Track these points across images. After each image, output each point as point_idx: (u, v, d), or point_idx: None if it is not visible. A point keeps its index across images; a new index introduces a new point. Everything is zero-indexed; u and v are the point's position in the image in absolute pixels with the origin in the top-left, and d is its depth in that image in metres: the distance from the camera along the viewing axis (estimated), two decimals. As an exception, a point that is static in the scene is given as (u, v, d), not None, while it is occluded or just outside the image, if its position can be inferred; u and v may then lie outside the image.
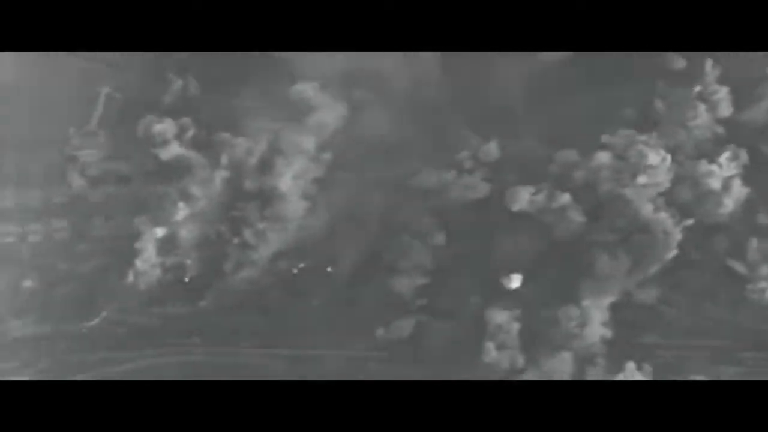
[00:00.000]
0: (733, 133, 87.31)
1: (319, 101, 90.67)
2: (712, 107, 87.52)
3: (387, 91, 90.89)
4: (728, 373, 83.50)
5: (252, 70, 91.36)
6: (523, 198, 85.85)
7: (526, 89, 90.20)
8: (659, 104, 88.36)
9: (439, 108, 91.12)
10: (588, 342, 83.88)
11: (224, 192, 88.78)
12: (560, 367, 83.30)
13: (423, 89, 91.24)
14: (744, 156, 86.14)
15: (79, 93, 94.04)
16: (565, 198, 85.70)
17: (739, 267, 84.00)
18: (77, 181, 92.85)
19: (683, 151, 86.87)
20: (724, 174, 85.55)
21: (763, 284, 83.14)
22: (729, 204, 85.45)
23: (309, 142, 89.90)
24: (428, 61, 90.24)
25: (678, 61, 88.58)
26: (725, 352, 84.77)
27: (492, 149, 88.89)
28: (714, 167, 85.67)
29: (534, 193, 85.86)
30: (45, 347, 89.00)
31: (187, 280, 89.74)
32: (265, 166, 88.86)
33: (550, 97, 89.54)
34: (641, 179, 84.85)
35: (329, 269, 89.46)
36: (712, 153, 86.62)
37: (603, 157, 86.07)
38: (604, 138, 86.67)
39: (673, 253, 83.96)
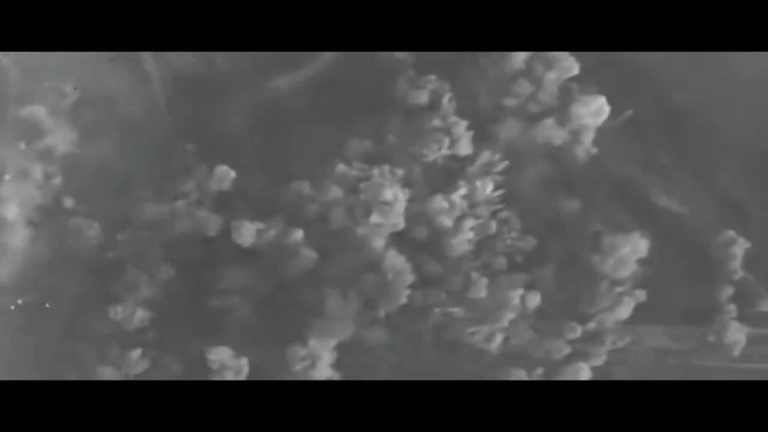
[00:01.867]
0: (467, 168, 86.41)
1: (49, 125, 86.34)
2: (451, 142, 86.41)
3: (117, 117, 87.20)
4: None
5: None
6: (251, 233, 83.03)
7: (259, 118, 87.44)
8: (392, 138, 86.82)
9: (169, 137, 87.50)
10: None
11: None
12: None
13: (154, 116, 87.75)
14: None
15: None
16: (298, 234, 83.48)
17: (460, 312, 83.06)
18: None
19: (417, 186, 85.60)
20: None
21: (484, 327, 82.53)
22: (460, 243, 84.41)
23: (36, 168, 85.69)
24: (160, 86, 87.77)
25: (417, 95, 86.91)
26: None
27: (224, 180, 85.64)
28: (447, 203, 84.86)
29: (263, 229, 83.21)
30: None
31: None
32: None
33: (283, 127, 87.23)
34: (375, 216, 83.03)
35: (47, 305, 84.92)
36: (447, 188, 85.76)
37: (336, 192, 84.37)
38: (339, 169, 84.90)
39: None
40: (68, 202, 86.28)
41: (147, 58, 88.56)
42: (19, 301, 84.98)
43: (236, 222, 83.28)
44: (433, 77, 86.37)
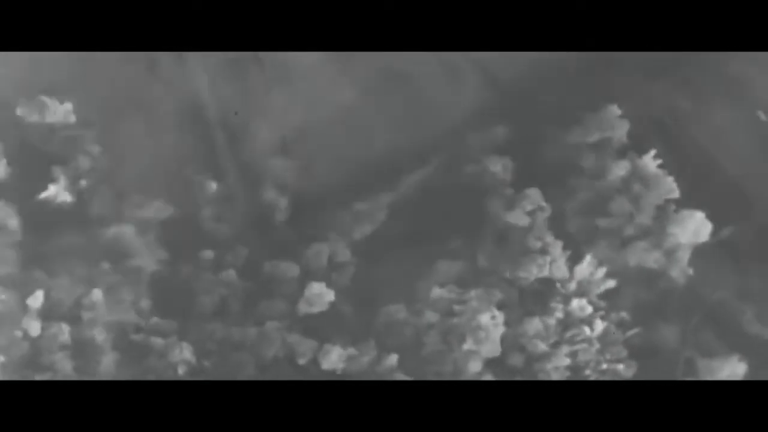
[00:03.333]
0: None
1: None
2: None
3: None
4: None
5: None
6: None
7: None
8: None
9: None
10: None
11: None
12: None
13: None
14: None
15: None
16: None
17: None
18: None
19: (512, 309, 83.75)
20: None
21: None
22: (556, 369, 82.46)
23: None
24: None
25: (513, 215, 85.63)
26: None
27: (317, 302, 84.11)
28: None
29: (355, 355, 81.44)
30: None
31: None
32: None
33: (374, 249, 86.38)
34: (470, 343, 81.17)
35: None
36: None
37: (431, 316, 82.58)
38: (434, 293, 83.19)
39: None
40: (156, 323, 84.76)
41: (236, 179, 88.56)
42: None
43: (328, 345, 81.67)
44: (530, 193, 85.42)
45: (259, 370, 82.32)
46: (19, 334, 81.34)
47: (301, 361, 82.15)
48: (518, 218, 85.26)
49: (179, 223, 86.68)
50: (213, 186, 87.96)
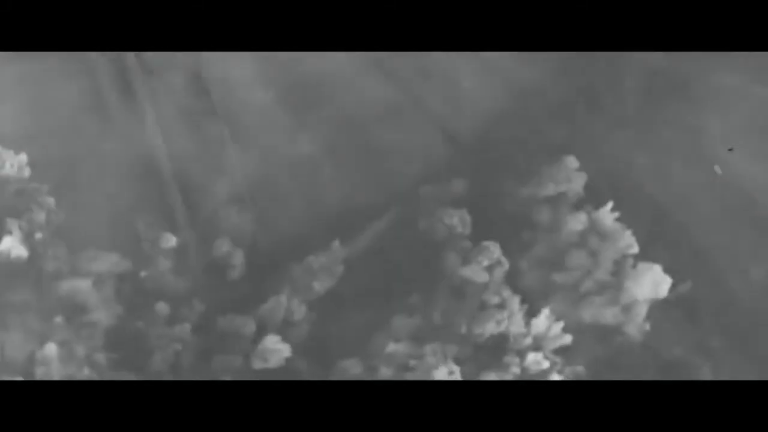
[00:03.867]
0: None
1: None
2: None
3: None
4: None
5: None
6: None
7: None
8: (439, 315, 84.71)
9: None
10: None
11: None
12: None
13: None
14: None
15: None
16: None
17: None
18: None
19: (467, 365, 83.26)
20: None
21: None
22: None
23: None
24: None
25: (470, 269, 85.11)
26: None
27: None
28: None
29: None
30: None
31: None
32: None
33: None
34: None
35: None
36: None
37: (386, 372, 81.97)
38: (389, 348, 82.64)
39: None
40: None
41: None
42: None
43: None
44: (487, 248, 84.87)
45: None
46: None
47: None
48: (475, 273, 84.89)
49: (135, 277, 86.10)
50: (169, 239, 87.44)
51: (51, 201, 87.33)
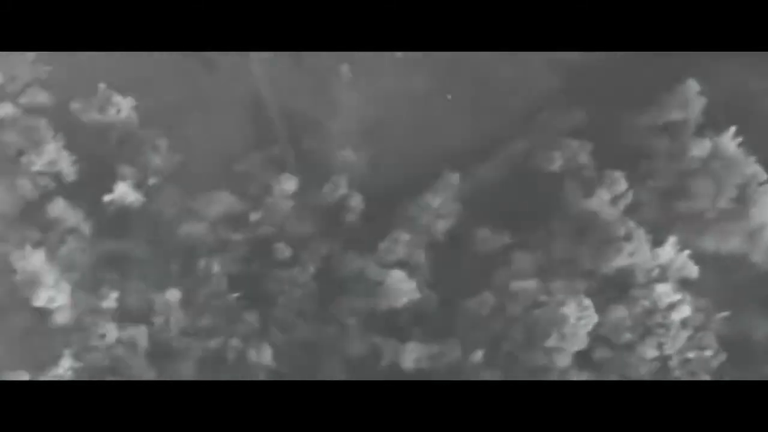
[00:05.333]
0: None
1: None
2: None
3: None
4: None
5: None
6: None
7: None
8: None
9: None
10: None
11: None
12: None
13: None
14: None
15: None
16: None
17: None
18: None
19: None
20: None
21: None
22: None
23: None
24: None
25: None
26: None
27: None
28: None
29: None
30: None
31: None
32: None
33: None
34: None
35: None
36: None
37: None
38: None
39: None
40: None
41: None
42: None
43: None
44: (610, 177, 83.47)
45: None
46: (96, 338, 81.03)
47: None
48: (598, 205, 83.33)
49: (250, 219, 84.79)
50: (286, 179, 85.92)
51: (163, 144, 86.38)
